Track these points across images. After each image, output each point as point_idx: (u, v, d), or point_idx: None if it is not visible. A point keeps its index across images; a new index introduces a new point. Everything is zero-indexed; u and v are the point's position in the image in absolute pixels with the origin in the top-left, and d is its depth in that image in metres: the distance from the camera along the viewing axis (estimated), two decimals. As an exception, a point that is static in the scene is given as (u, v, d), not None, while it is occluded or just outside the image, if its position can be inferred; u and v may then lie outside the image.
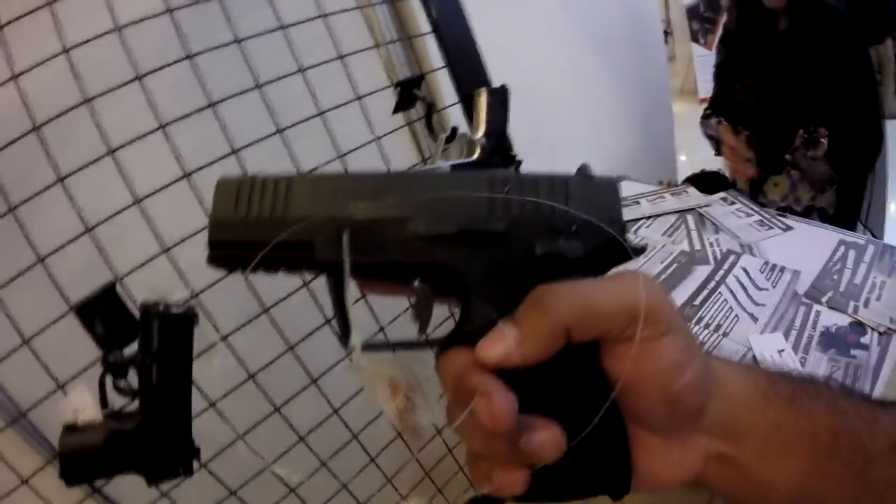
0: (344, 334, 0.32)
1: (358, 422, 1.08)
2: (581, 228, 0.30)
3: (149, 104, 0.77)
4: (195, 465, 0.62)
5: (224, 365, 0.86)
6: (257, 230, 0.32)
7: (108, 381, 0.59)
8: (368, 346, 0.31)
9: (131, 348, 0.61)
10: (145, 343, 0.57)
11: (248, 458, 0.92)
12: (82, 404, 0.58)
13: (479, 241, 0.30)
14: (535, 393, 0.29)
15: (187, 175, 0.81)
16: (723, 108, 1.83)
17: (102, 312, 0.68)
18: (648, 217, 1.44)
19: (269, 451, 0.97)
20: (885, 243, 1.25)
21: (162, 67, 0.79)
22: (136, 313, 0.63)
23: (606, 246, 0.31)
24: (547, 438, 0.28)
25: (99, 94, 0.75)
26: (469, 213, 0.30)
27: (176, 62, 0.80)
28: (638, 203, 1.53)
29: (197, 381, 0.62)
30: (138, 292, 0.73)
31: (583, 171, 0.32)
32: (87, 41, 0.74)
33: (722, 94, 1.84)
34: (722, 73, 1.85)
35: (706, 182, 1.96)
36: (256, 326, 0.90)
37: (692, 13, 5.44)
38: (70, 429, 0.57)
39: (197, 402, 0.63)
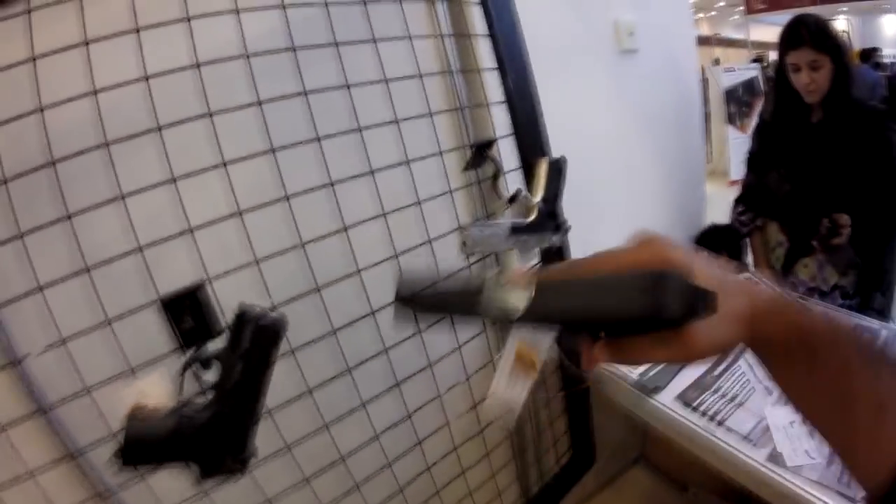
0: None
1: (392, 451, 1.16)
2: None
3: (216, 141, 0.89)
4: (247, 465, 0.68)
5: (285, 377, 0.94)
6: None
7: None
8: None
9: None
10: (235, 342, 0.64)
11: (284, 469, 0.99)
12: (151, 390, 0.64)
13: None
14: None
15: (287, 198, 0.92)
16: (755, 196, 1.93)
17: (191, 307, 0.71)
18: None
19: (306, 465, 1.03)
20: None
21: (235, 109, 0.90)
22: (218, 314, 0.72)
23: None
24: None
25: (169, 124, 0.84)
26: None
27: (259, 104, 0.90)
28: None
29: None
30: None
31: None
32: (169, 72, 0.83)
33: (755, 183, 1.93)
34: (755, 162, 1.94)
35: (716, 237, 2.06)
36: (322, 346, 0.98)
37: (729, 96, 5.51)
38: (138, 412, 0.62)
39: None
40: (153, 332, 0.74)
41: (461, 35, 1.19)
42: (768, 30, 12.80)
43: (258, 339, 0.65)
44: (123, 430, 0.61)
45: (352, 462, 1.08)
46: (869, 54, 7.90)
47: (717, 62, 7.70)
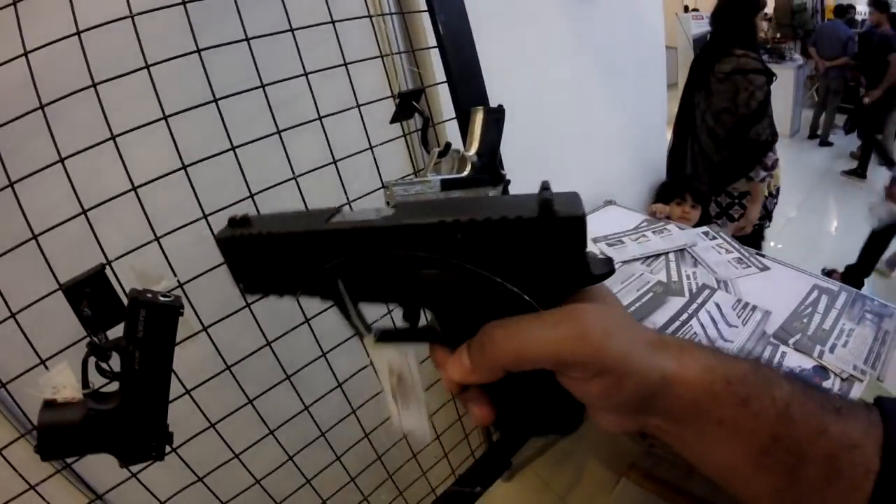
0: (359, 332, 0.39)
1: (327, 419, 1.11)
2: (542, 261, 0.33)
3: (154, 93, 0.79)
4: (167, 449, 0.65)
5: (203, 354, 0.89)
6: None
7: (91, 362, 0.62)
8: (381, 336, 0.39)
9: (116, 331, 0.65)
10: (131, 329, 0.60)
11: (218, 447, 0.95)
12: (63, 382, 0.61)
13: (449, 287, 0.34)
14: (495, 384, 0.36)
15: (185, 167, 0.84)
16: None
17: (90, 294, 0.69)
18: (637, 259, 1.45)
19: (240, 441, 0.99)
20: (858, 292, 1.27)
21: (170, 59, 0.81)
22: (124, 298, 0.65)
23: (565, 277, 0.34)
24: (477, 411, 0.38)
25: (106, 80, 0.77)
26: (443, 265, 0.34)
27: (184, 55, 0.82)
28: (622, 242, 1.54)
29: (175, 369, 0.65)
30: (125, 276, 0.75)
31: (545, 189, 0.33)
32: (100, 25, 0.75)
33: None
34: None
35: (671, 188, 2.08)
36: (238, 319, 0.91)
37: (698, 43, 5.53)
38: (50, 405, 0.60)
39: (174, 389, 0.66)
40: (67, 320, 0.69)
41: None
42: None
43: (153, 324, 0.61)
44: (36, 425, 0.59)
45: (287, 436, 1.04)
46: (844, 10, 7.85)
47: (686, 9, 7.61)
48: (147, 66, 0.79)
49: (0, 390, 0.78)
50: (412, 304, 0.38)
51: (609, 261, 0.35)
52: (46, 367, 0.75)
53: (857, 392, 1.01)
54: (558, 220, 0.31)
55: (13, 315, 0.74)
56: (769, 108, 2.08)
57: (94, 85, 0.76)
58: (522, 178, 0.88)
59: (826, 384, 1.02)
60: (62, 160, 0.75)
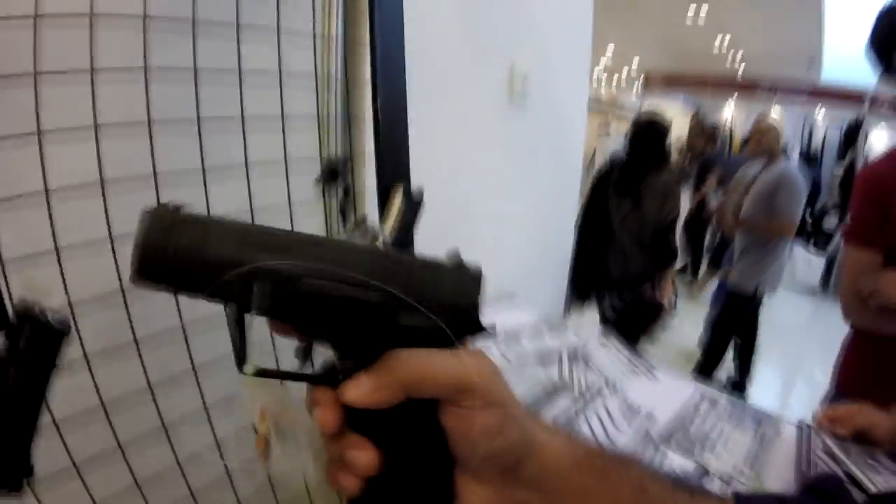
0: (240, 359, 0.36)
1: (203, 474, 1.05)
2: (440, 308, 0.37)
3: (91, 101, 0.79)
4: (24, 483, 0.59)
5: (79, 384, 0.83)
6: (185, 269, 0.35)
7: None
8: (260, 373, 0.36)
9: None
10: (12, 343, 0.57)
11: (80, 493, 0.88)
12: None
13: (360, 308, 0.36)
14: (379, 427, 0.37)
15: (102, 183, 0.82)
16: None
17: None
18: (530, 355, 1.47)
19: (109, 487, 0.92)
20: (738, 401, 1.35)
21: (117, 68, 0.81)
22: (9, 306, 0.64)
23: (459, 323, 0.38)
24: (362, 456, 0.36)
25: (48, 71, 0.75)
26: (354, 283, 0.35)
27: (132, 68, 0.83)
28: (518, 341, 1.55)
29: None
30: (14, 283, 0.71)
31: (453, 256, 0.39)
32: (59, 15, 0.75)
33: None
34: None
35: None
36: (124, 351, 0.88)
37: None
38: None
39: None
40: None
41: (351, 41, 1.14)
42: (662, 104, 13.79)
43: (37, 341, 0.58)
44: None
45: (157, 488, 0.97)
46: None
47: (608, 133, 8.14)
48: (91, 70, 0.78)
49: None
50: (316, 331, 0.38)
51: (492, 323, 0.40)
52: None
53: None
54: (467, 270, 0.38)
55: None
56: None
57: (35, 74, 0.75)
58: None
59: (707, 484, 1.04)
60: None
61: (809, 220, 7.81)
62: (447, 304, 0.37)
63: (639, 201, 2.68)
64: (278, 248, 0.36)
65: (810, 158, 9.50)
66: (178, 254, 0.35)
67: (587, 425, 1.20)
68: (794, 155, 8.49)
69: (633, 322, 2.85)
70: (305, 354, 0.39)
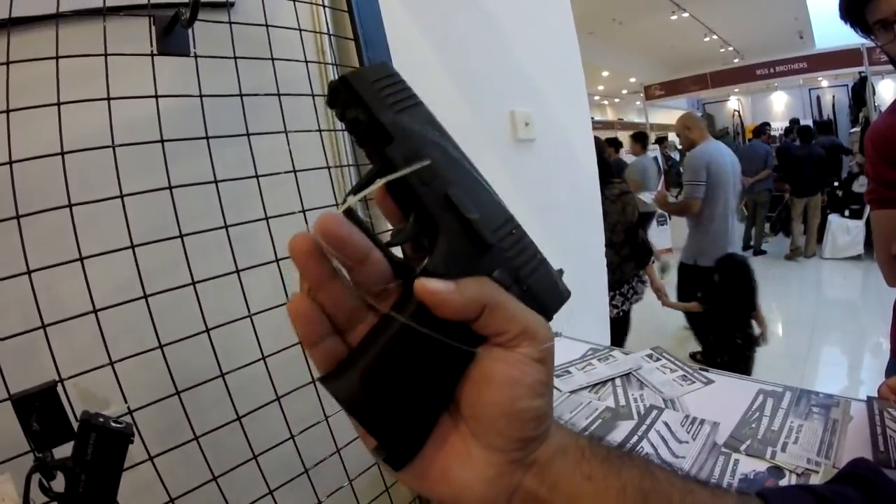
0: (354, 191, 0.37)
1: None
2: (533, 283, 0.40)
3: (125, 221, 0.85)
4: None
5: (142, 482, 0.84)
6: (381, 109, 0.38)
7: (35, 478, 0.61)
8: (348, 213, 0.36)
9: (61, 450, 0.64)
10: (79, 451, 0.60)
11: None
12: (2, 493, 0.61)
13: (475, 237, 0.38)
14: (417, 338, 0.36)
15: (146, 297, 0.87)
16: None
17: (40, 409, 0.67)
18: (584, 387, 1.47)
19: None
20: (802, 389, 1.30)
21: (142, 192, 0.87)
22: (71, 416, 0.66)
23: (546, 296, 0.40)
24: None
25: (81, 202, 0.81)
26: (484, 218, 0.38)
27: (156, 190, 0.89)
28: (570, 373, 1.55)
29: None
30: (73, 393, 0.73)
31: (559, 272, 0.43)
32: (79, 101, 0.81)
33: None
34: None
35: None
36: (183, 452, 0.89)
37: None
38: None
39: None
40: (11, 428, 0.67)
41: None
42: (669, 113, 13.78)
43: (102, 448, 0.61)
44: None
45: None
46: (762, 130, 8.59)
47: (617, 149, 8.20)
48: (122, 196, 0.84)
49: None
50: (430, 227, 0.38)
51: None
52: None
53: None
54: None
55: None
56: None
57: (71, 206, 0.80)
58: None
59: (782, 482, 1.01)
60: (29, 273, 0.76)
61: (838, 189, 7.68)
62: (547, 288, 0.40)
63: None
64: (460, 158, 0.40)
65: (824, 126, 9.38)
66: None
67: (650, 446, 1.17)
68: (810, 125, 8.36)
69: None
70: (401, 237, 0.40)
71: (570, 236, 2.05)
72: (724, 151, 3.76)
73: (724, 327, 3.28)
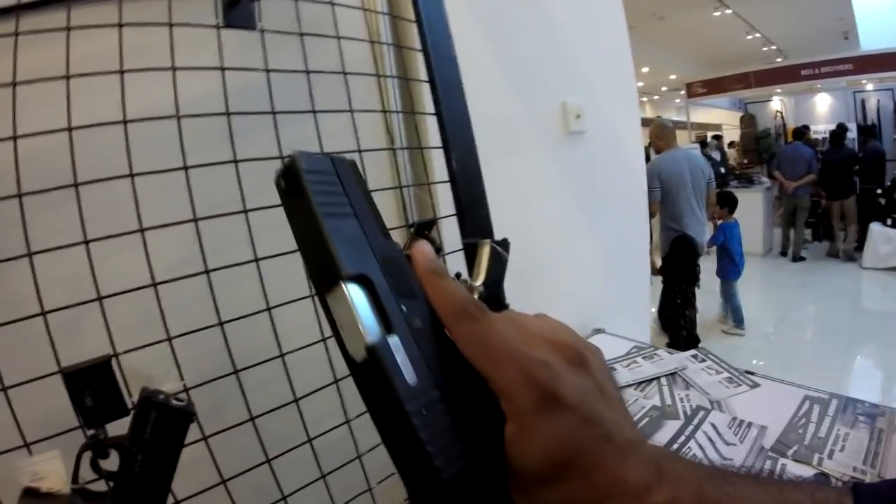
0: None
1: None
2: None
3: (188, 192, 0.84)
4: None
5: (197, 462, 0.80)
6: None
7: (86, 456, 0.58)
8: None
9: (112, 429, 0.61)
10: (138, 430, 0.57)
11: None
12: (47, 470, 0.58)
13: None
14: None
15: (208, 271, 0.84)
16: None
17: (93, 384, 0.64)
18: (630, 385, 1.47)
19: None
20: (848, 397, 1.30)
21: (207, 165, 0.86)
22: (125, 392, 0.64)
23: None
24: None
25: (142, 172, 0.79)
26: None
27: (221, 163, 0.88)
28: (615, 369, 1.56)
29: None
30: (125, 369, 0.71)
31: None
32: (142, 70, 0.79)
33: None
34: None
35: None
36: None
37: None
38: (31, 493, 0.56)
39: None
40: (59, 404, 0.64)
41: (408, 112, 1.21)
42: (709, 112, 13.62)
43: (162, 427, 0.59)
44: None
45: None
46: (802, 132, 8.42)
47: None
48: (185, 168, 0.83)
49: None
50: None
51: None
52: (30, 451, 0.66)
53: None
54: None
55: (4, 389, 0.67)
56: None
57: (132, 175, 0.79)
58: (516, 308, 0.94)
59: None
60: (87, 242, 0.74)
61: (881, 196, 7.54)
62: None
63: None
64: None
65: (868, 130, 9.13)
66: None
67: (698, 447, 1.19)
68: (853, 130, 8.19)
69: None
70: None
71: (615, 231, 2.04)
72: (681, 158, 4.37)
73: (670, 293, 4.46)
